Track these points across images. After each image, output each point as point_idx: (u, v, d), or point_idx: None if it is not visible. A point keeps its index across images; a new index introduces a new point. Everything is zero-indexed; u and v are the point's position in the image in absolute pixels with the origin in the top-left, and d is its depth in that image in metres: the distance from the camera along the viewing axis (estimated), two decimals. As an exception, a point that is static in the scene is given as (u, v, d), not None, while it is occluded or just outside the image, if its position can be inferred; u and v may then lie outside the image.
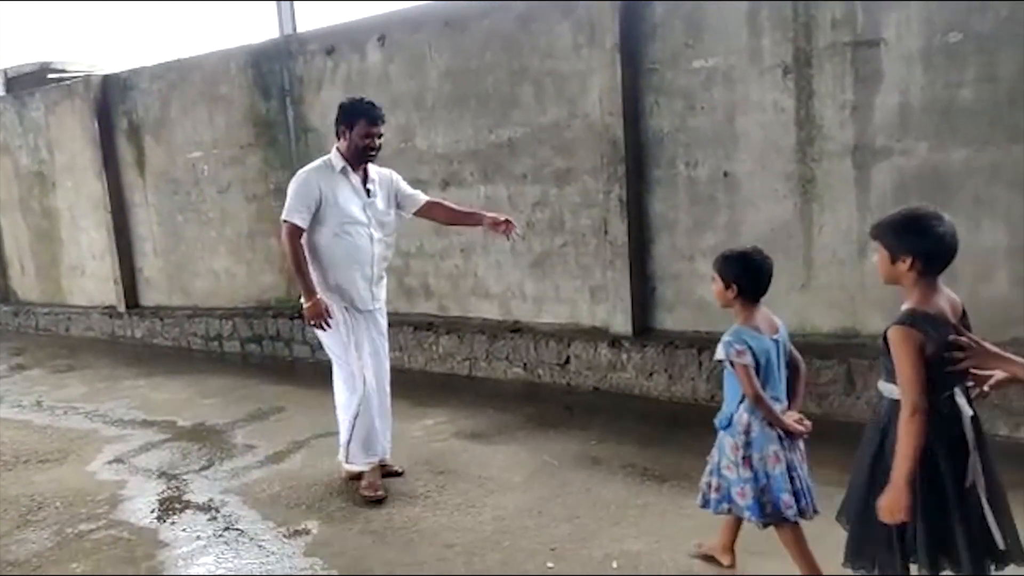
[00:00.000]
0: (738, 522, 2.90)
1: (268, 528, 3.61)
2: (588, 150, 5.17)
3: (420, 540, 3.40)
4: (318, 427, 4.97)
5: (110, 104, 8.06)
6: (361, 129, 3.67)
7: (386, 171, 3.95)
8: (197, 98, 7.41)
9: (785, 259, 4.55)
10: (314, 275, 3.71)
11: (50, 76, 9.26)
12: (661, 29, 4.84)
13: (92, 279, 8.71)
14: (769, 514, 2.70)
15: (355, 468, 3.92)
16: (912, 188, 4.10)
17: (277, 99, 6.86)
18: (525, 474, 3.98)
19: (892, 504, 2.11)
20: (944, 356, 2.12)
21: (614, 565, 3.07)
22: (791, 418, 2.72)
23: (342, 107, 3.75)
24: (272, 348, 7.07)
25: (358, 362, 3.85)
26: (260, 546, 3.44)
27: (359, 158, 3.73)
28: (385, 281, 3.98)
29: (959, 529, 2.16)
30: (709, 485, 2.85)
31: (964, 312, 2.25)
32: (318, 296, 3.67)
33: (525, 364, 5.53)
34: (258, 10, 9.02)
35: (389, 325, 6.26)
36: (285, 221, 3.69)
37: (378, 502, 3.75)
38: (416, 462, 4.15)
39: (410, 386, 5.53)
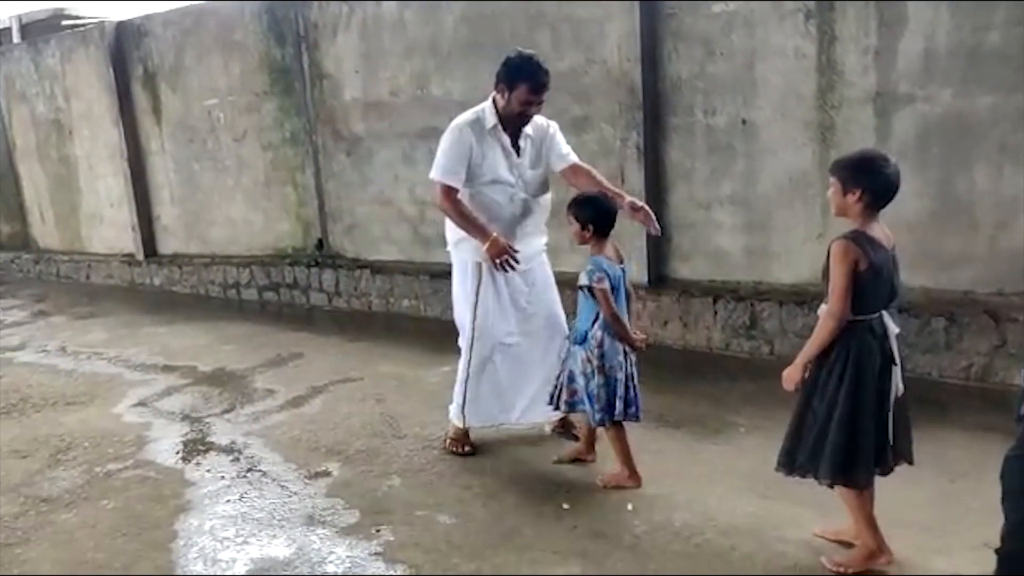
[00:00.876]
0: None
1: (290, 469, 3.71)
2: (605, 97, 5.11)
3: (439, 481, 3.49)
4: (336, 373, 5.07)
5: (125, 51, 8.01)
6: (521, 94, 3.33)
7: (543, 123, 3.57)
8: (212, 45, 7.35)
9: (803, 208, 4.54)
10: (450, 224, 3.55)
11: (64, 23, 9.21)
12: (682, -28, 4.73)
13: (111, 227, 8.79)
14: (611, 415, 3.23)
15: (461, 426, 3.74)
16: (935, 136, 4.04)
17: (292, 45, 6.80)
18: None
19: (788, 375, 2.62)
20: (877, 277, 2.48)
21: (629, 507, 3.14)
22: (636, 336, 3.25)
23: (507, 62, 3.37)
24: (289, 296, 7.15)
25: (473, 321, 3.61)
26: (283, 486, 3.54)
27: (513, 122, 3.44)
28: (538, 239, 3.67)
29: (868, 445, 2.56)
30: (560, 389, 3.33)
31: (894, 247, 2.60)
32: (494, 235, 3.37)
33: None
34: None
35: (404, 273, 6.43)
36: (439, 182, 3.43)
37: (462, 455, 3.72)
38: (432, 406, 4.22)
39: (427, 334, 5.61)
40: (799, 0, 4.32)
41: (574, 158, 3.63)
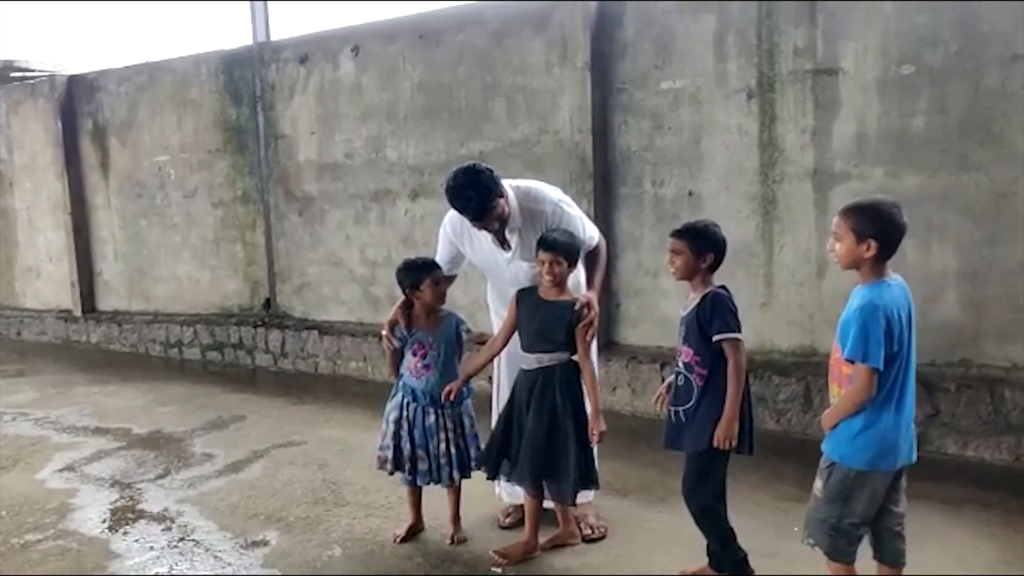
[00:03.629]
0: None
1: (225, 538, 3.56)
2: (558, 166, 5.24)
3: (380, 551, 3.38)
4: (279, 436, 4.93)
5: (75, 105, 7.94)
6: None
7: (537, 209, 3.22)
8: (166, 101, 7.34)
9: (746, 278, 4.65)
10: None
11: (13, 75, 9.09)
12: (631, 50, 4.93)
13: (47, 282, 8.53)
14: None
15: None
16: (869, 212, 4.22)
17: (248, 105, 6.83)
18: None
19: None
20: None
21: (573, 577, 3.09)
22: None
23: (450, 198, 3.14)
24: (234, 356, 6.99)
25: (498, 393, 3.55)
26: (216, 557, 3.39)
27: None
28: None
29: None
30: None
31: None
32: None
33: (489, 377, 5.53)
34: (231, 16, 8.96)
35: (352, 335, 6.36)
36: None
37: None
38: (376, 473, 4.12)
39: (373, 397, 5.49)
40: (742, 81, 4.53)
41: (594, 243, 3.36)
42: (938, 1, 3.94)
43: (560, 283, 3.10)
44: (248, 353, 6.91)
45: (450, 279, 3.51)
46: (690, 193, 4.83)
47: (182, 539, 3.57)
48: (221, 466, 4.49)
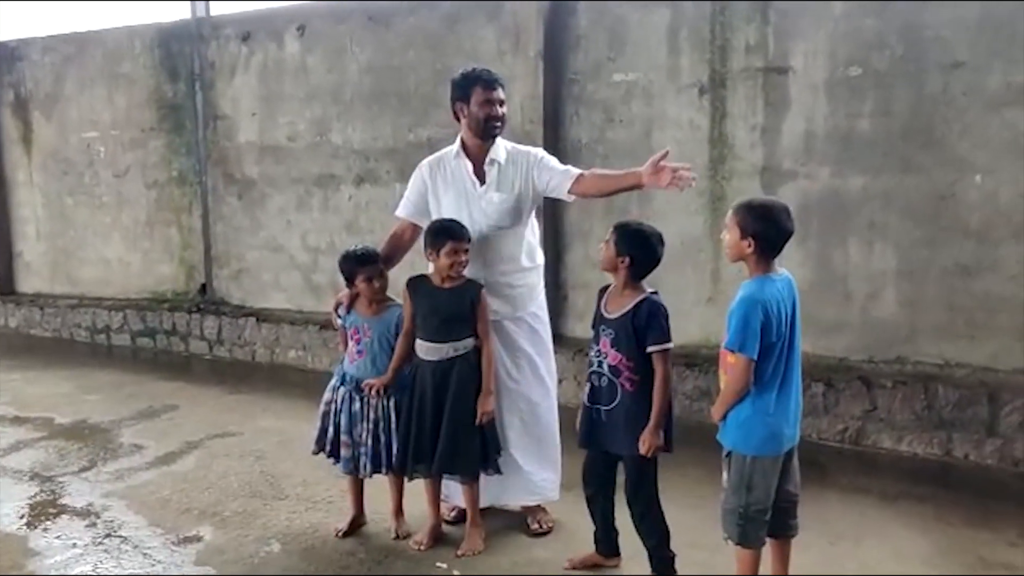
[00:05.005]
0: None
1: (155, 534, 3.39)
2: (507, 156, 5.16)
3: (322, 547, 3.27)
4: (214, 427, 4.75)
5: (-5, 75, 7.49)
6: (479, 96, 3.13)
7: (524, 150, 3.32)
8: (96, 75, 6.99)
9: (694, 273, 4.68)
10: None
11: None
12: (584, 41, 4.90)
13: (-37, 262, 8.05)
14: None
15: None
16: (814, 211, 4.30)
17: (185, 83, 6.56)
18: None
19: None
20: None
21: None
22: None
23: (454, 82, 3.21)
24: (167, 343, 6.72)
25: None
26: (145, 554, 3.22)
27: (484, 132, 3.20)
28: (514, 291, 3.29)
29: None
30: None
31: None
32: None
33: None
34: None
35: (291, 323, 6.19)
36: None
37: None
38: (316, 465, 4.00)
39: (313, 387, 5.32)
40: (694, 76, 4.55)
41: (574, 172, 3.20)
42: (885, 1, 4.00)
43: (459, 273, 3.09)
44: (182, 340, 6.65)
45: (413, 235, 3.38)
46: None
47: (108, 535, 3.39)
48: (151, 458, 4.30)
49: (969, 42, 3.82)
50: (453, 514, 3.48)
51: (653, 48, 4.68)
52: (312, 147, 6.04)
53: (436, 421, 3.12)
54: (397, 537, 3.28)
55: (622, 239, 2.76)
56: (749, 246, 2.47)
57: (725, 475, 2.59)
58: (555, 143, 5.01)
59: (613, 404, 2.78)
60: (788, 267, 4.37)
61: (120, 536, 3.38)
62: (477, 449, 3.14)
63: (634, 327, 2.72)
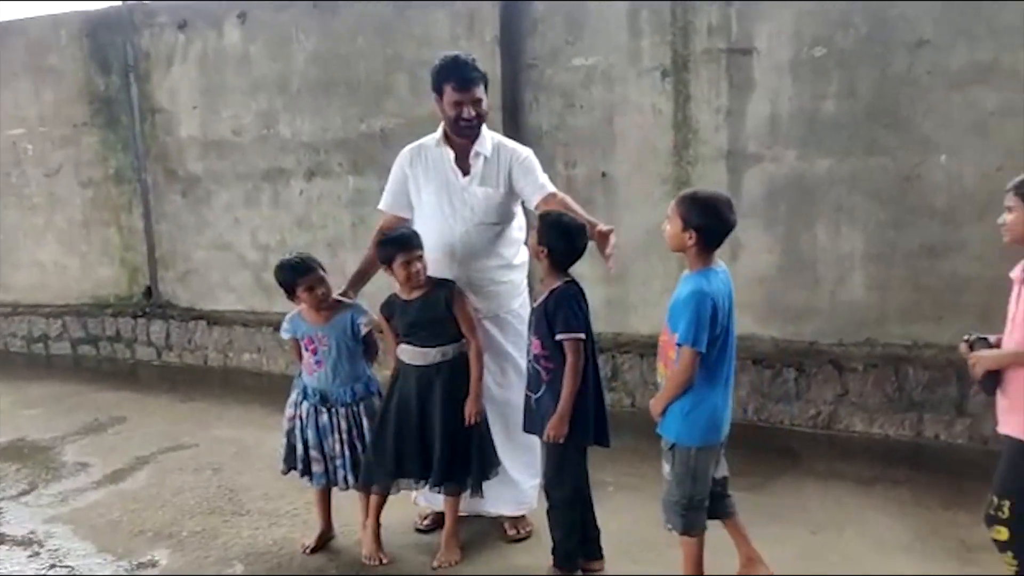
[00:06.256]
0: None
1: (106, 562, 3.17)
2: (464, 145, 5.00)
3: (289, 564, 3.11)
4: (166, 439, 4.52)
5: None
6: (450, 96, 2.99)
7: (512, 146, 3.18)
8: (19, 68, 6.56)
9: (660, 261, 4.59)
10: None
11: None
12: (542, 25, 4.75)
13: None
14: None
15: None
16: (781, 194, 4.24)
17: (119, 75, 6.20)
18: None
19: None
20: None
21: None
22: None
23: (431, 72, 3.06)
24: (111, 350, 6.40)
25: None
26: (97, 583, 3.02)
27: (455, 132, 3.07)
28: (497, 288, 3.16)
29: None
30: None
31: None
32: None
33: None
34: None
35: (244, 325, 5.94)
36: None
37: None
38: (278, 476, 3.81)
39: (270, 392, 5.13)
40: (656, 59, 4.44)
41: (548, 189, 3.10)
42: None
43: (419, 282, 2.97)
44: (127, 346, 6.33)
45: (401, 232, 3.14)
46: (603, 175, 4.71)
47: (52, 566, 3.17)
48: (99, 477, 4.05)
49: (933, 20, 3.79)
50: (426, 522, 3.35)
51: (613, 31, 4.56)
52: (259, 140, 5.78)
53: (421, 430, 2.98)
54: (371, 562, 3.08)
55: (545, 230, 2.77)
56: (691, 238, 2.53)
57: (667, 467, 2.62)
58: (515, 130, 4.86)
59: (539, 392, 2.80)
60: (755, 253, 4.38)
61: (66, 566, 3.17)
62: (474, 458, 3.00)
63: (546, 315, 2.74)
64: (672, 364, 2.56)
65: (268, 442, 4.31)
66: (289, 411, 3.18)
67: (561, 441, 2.75)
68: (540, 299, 2.80)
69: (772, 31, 4.14)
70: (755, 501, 3.36)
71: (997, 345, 2.41)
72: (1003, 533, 2.33)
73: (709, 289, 2.50)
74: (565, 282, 2.78)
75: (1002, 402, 2.37)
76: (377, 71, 5.28)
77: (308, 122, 5.57)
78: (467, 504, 3.16)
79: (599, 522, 2.98)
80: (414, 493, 3.30)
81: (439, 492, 3.05)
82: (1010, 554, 2.34)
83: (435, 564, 3.02)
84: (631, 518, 3.27)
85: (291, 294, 3.11)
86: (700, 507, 2.63)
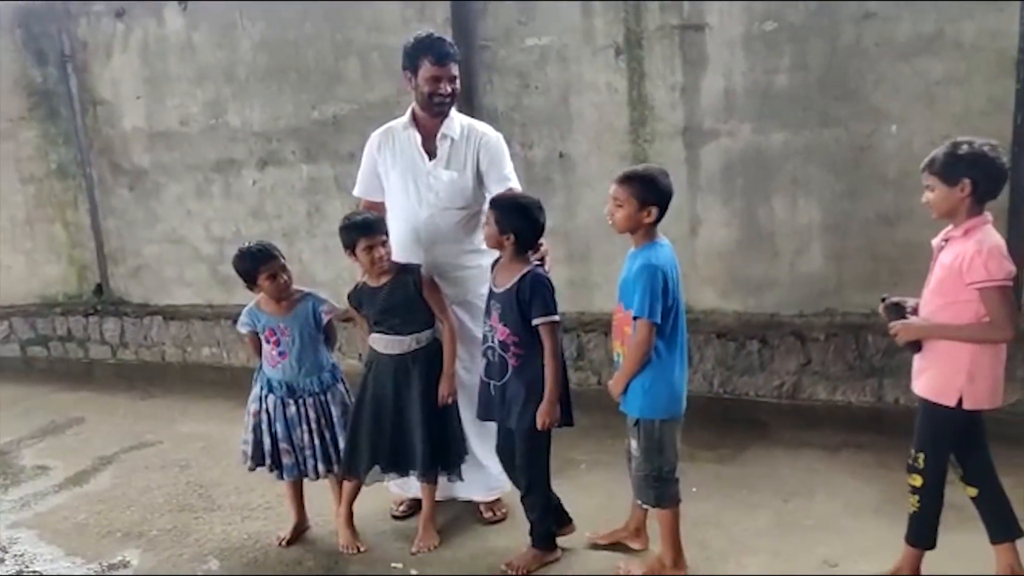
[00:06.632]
0: None
1: (75, 565, 3.12)
2: (421, 129, 4.95)
3: (265, 559, 3.08)
4: (128, 438, 4.43)
5: None
6: (427, 71, 2.97)
7: (482, 129, 3.16)
8: (-51, 62, 6.29)
9: (621, 239, 4.59)
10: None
11: None
12: (493, 6, 4.70)
13: None
14: None
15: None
16: (738, 169, 4.29)
17: (56, 66, 5.98)
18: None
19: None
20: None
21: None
22: None
23: (405, 48, 3.04)
24: (63, 350, 6.23)
25: None
26: (67, 588, 2.96)
27: (429, 109, 3.04)
28: (464, 274, 3.15)
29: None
30: None
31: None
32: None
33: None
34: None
35: (202, 319, 5.82)
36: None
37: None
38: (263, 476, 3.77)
39: (233, 385, 5.05)
40: (609, 37, 4.44)
41: (513, 183, 3.15)
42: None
43: (385, 268, 2.95)
44: (80, 346, 6.16)
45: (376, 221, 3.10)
46: (561, 155, 4.71)
47: (20, 573, 3.08)
48: (61, 479, 3.96)
49: (879, -8, 3.86)
50: (401, 508, 3.34)
51: (565, 10, 4.54)
52: (208, 131, 5.64)
53: (397, 419, 2.96)
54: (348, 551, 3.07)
55: (504, 216, 2.74)
56: (649, 215, 2.58)
57: (634, 443, 2.68)
58: (469, 113, 4.75)
59: (504, 379, 2.80)
60: (715, 228, 4.45)
61: (34, 572, 3.09)
62: (451, 442, 3.02)
63: (518, 301, 2.73)
64: (629, 340, 2.61)
65: (235, 436, 4.18)
66: (253, 406, 3.13)
67: (555, 427, 2.76)
68: (508, 286, 2.76)
69: (723, 6, 4.17)
70: (726, 472, 3.44)
71: (915, 310, 2.55)
72: (917, 480, 2.52)
73: (658, 262, 2.56)
74: (536, 265, 2.77)
75: (917, 363, 2.55)
76: (327, 57, 5.18)
77: (258, 110, 5.45)
78: (442, 489, 3.16)
79: (574, 500, 3.02)
80: (389, 481, 3.30)
81: (423, 481, 3.04)
82: (916, 497, 2.54)
83: (414, 549, 3.03)
84: (604, 494, 3.31)
85: (252, 283, 3.05)
86: (670, 479, 2.68)
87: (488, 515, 3.23)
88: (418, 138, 3.09)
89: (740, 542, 2.91)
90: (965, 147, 2.38)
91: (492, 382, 2.83)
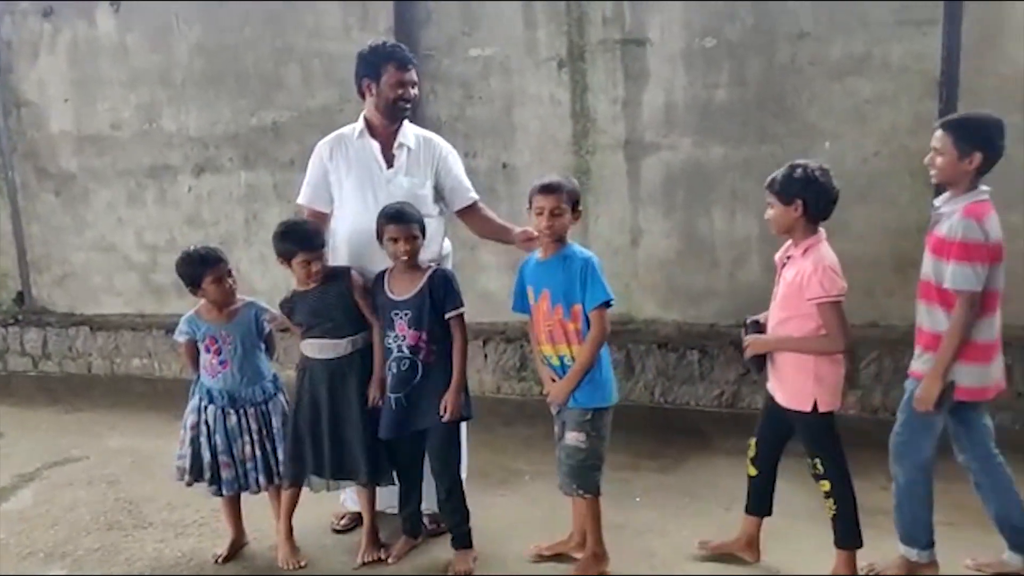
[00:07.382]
0: None
1: (-6, 588, 2.95)
2: (363, 137, 4.89)
3: (199, 572, 2.96)
4: (51, 453, 4.22)
5: None
6: (392, 77, 3.00)
7: (437, 141, 3.22)
8: None
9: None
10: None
11: None
12: (436, 15, 4.71)
13: None
14: None
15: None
16: (678, 181, 4.38)
17: (-22, 66, 5.73)
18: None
19: None
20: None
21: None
22: None
23: (362, 56, 3.05)
24: (-22, 363, 5.92)
25: None
26: (-15, 613, 2.80)
27: (392, 114, 3.06)
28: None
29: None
30: None
31: None
32: None
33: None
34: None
35: (133, 329, 5.61)
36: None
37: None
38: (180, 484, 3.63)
39: (164, 398, 4.89)
40: (552, 49, 4.48)
41: (471, 196, 3.26)
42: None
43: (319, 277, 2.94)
44: (-2, 357, 5.88)
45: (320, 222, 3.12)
46: (504, 165, 4.73)
47: (-67, 598, 2.90)
48: (-23, 499, 3.74)
49: (813, 13, 4.00)
50: (343, 522, 3.28)
51: (508, 21, 4.57)
52: (141, 135, 5.47)
53: (335, 425, 2.90)
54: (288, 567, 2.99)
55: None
56: (577, 217, 2.83)
57: (582, 436, 2.74)
58: (413, 122, 4.76)
59: (414, 382, 2.84)
60: (656, 239, 4.52)
61: (-52, 598, 2.90)
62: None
63: (432, 300, 2.83)
64: (578, 336, 2.71)
65: (167, 450, 4.04)
66: (191, 418, 3.03)
67: (458, 417, 2.85)
68: (416, 290, 2.84)
69: (664, 22, 4.27)
70: (668, 481, 3.48)
71: (764, 325, 2.76)
72: (826, 485, 2.69)
73: (589, 254, 2.80)
74: (432, 263, 2.95)
75: (771, 377, 2.73)
76: (267, 62, 5.10)
77: (195, 116, 5.32)
78: (384, 501, 3.11)
79: (518, 511, 3.02)
80: (342, 495, 3.23)
81: (367, 486, 2.99)
82: (831, 501, 2.68)
83: (359, 562, 2.96)
84: (548, 505, 3.30)
85: (196, 288, 2.98)
86: (602, 466, 2.82)
87: (432, 527, 3.19)
88: (376, 146, 3.08)
89: (684, 550, 2.94)
90: (800, 170, 2.60)
91: (398, 395, 2.85)
